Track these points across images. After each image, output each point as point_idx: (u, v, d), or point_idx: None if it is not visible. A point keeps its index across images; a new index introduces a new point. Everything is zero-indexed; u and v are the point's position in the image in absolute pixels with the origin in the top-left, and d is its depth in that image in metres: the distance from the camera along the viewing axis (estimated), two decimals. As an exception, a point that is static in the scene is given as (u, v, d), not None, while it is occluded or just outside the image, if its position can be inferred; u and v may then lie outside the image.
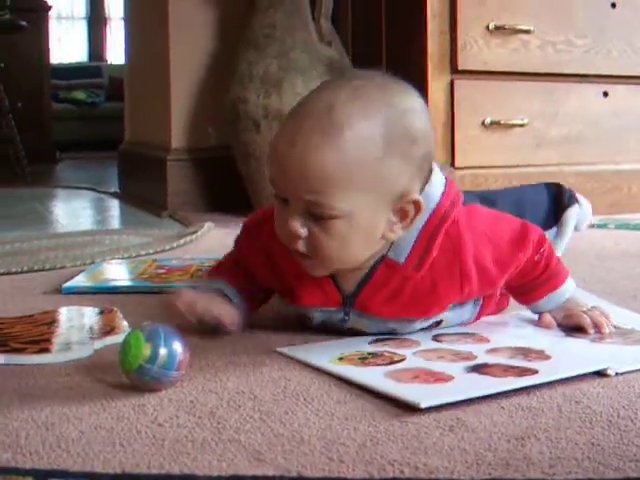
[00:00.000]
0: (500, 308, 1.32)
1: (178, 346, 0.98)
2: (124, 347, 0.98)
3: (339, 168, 1.04)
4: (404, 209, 1.10)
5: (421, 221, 1.12)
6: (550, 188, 1.66)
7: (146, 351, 0.96)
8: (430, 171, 1.14)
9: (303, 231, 1.08)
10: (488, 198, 1.49)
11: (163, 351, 0.97)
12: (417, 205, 1.10)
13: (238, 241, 1.29)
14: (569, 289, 1.26)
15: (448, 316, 1.20)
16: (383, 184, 1.07)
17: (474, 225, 1.16)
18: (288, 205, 1.08)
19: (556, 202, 1.62)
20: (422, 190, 1.12)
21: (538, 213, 1.58)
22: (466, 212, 1.17)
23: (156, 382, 0.98)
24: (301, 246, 1.09)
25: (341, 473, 0.76)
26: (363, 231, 1.09)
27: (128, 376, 0.98)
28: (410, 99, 1.11)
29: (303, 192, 1.05)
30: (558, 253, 1.54)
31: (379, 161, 1.05)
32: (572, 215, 1.61)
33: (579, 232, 1.66)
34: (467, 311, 1.23)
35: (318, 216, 1.06)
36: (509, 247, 1.16)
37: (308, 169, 1.04)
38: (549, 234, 1.54)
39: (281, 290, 1.23)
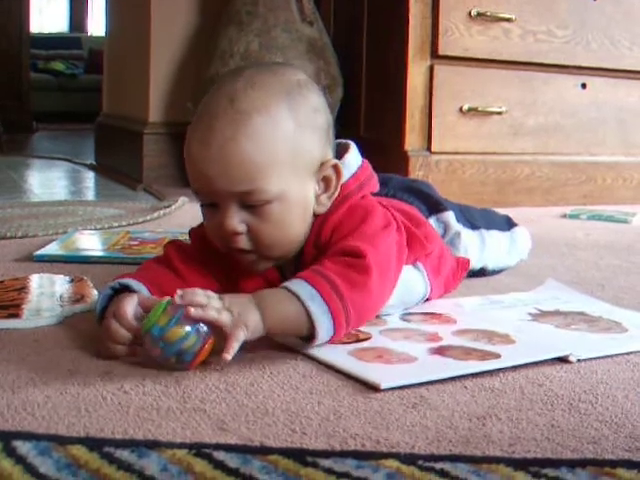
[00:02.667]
0: (456, 278, 1.36)
1: (192, 337, 0.95)
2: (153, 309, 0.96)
3: (259, 152, 1.05)
4: (326, 177, 1.13)
5: None
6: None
7: (162, 320, 0.95)
8: (334, 140, 1.16)
9: (241, 227, 1.08)
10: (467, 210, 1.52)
11: (174, 329, 0.94)
12: (336, 169, 1.13)
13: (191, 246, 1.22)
14: (317, 319, 1.00)
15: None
16: (302, 156, 1.09)
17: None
18: (218, 209, 1.08)
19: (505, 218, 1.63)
20: (335, 157, 1.15)
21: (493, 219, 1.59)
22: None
23: (158, 352, 0.95)
24: (243, 242, 1.09)
25: (303, 444, 0.76)
26: (298, 208, 1.10)
27: (143, 336, 0.96)
28: (298, 73, 1.14)
29: (232, 186, 1.05)
30: (511, 261, 1.57)
31: (292, 134, 1.08)
32: (523, 231, 1.61)
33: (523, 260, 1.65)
34: (414, 282, 1.23)
35: (252, 205, 1.07)
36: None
37: (230, 162, 1.04)
38: (502, 234, 1.55)
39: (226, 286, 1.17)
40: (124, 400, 0.86)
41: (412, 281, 1.23)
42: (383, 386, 0.91)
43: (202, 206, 1.12)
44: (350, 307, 1.01)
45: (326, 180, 1.13)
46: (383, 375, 0.94)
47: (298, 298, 0.99)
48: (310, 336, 1.00)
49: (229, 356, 0.94)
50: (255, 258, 1.12)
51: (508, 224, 1.61)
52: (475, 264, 1.47)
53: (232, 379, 0.94)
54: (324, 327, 0.99)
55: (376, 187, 1.21)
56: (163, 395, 0.88)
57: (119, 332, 0.98)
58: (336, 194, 1.14)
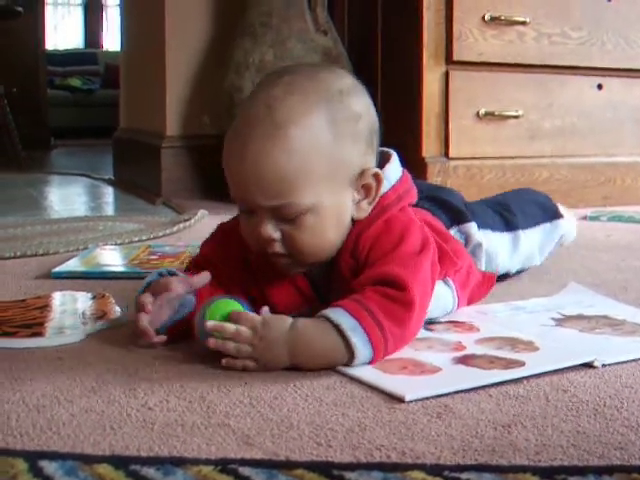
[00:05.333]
0: (481, 293, 1.34)
1: None
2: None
3: (293, 167, 1.04)
4: (366, 185, 1.12)
5: None
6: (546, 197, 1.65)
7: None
8: (378, 145, 1.15)
9: (277, 234, 1.08)
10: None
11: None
12: (377, 177, 1.12)
13: (204, 245, 1.25)
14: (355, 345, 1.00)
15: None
16: (340, 167, 1.08)
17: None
18: (255, 215, 1.09)
19: (552, 207, 1.61)
20: (377, 164, 1.15)
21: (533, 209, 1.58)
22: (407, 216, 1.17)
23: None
24: (278, 247, 1.09)
25: (329, 457, 0.76)
26: (332, 217, 1.10)
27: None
28: (341, 79, 1.12)
29: (266, 201, 1.06)
30: (538, 261, 1.56)
31: (330, 146, 1.07)
32: (562, 226, 1.59)
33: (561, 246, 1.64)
34: (443, 297, 1.23)
35: (285, 217, 1.07)
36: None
37: (264, 178, 1.04)
38: (542, 230, 1.54)
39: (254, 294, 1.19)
40: (149, 417, 0.86)
41: (442, 297, 1.22)
42: (408, 399, 0.91)
43: (240, 211, 1.12)
44: (390, 338, 1.02)
45: (366, 187, 1.12)
46: (408, 387, 0.94)
47: (338, 328, 1.00)
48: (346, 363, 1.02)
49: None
50: (289, 262, 1.12)
51: (550, 212, 1.58)
52: (501, 270, 1.47)
53: (256, 393, 0.94)
54: (362, 357, 1.00)
55: (414, 198, 1.20)
56: (187, 411, 0.88)
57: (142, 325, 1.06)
58: (377, 200, 1.13)
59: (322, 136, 1.06)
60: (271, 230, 1.08)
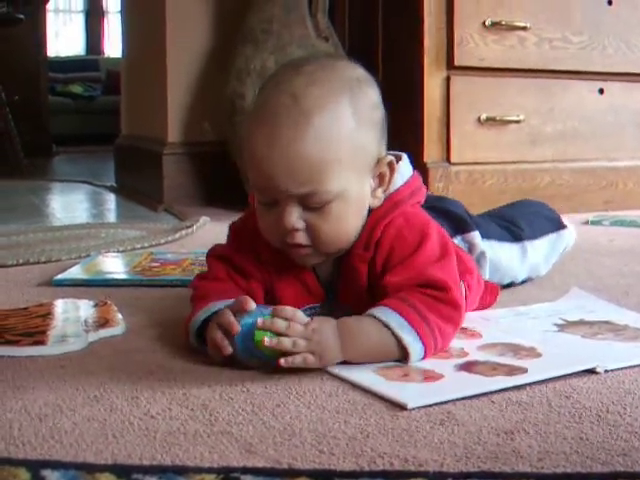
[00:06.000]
0: (485, 304, 1.34)
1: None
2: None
3: (323, 153, 1.05)
4: (382, 173, 1.13)
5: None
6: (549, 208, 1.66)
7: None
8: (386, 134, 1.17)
9: (300, 223, 1.08)
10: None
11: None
12: (391, 166, 1.14)
13: (227, 247, 1.24)
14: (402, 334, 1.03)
15: None
16: (362, 154, 1.10)
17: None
18: (276, 206, 1.09)
19: (556, 218, 1.62)
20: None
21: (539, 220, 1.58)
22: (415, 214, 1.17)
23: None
24: (301, 238, 1.10)
25: (331, 465, 0.76)
26: (356, 205, 1.11)
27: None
28: (357, 70, 1.15)
29: (294, 187, 1.06)
30: (543, 271, 1.57)
31: (355, 134, 1.08)
32: (566, 235, 1.60)
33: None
34: None
35: (313, 205, 1.08)
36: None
37: (294, 164, 1.05)
38: (547, 241, 1.54)
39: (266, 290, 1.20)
40: (151, 425, 0.86)
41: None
42: (410, 406, 0.91)
43: (259, 202, 1.12)
44: (438, 333, 1.04)
45: (381, 176, 1.14)
46: (410, 394, 0.93)
47: (388, 326, 1.02)
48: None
49: (285, 365, 0.99)
50: (309, 252, 1.12)
51: (555, 223, 1.60)
52: (506, 280, 1.48)
53: (258, 401, 0.94)
54: (416, 354, 1.03)
55: (424, 197, 1.22)
56: (190, 419, 0.88)
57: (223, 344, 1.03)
58: (390, 189, 1.15)
59: (347, 123, 1.07)
60: (295, 219, 1.08)
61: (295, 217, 1.08)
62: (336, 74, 1.10)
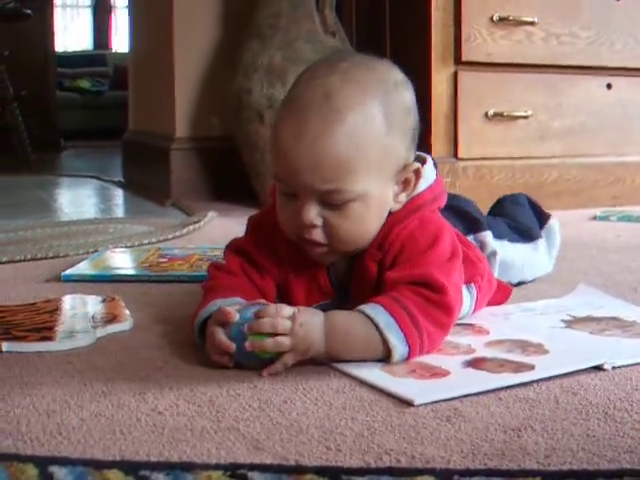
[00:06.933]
0: (495, 303, 1.33)
1: None
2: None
3: (350, 152, 1.04)
4: (407, 179, 1.13)
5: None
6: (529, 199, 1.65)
7: None
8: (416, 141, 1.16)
9: (318, 220, 1.08)
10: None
11: None
12: (417, 173, 1.13)
13: (245, 241, 1.23)
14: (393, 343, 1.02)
15: None
16: (389, 158, 1.09)
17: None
18: (297, 199, 1.08)
19: (538, 212, 1.62)
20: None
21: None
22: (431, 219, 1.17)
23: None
24: (317, 235, 1.09)
25: (338, 462, 0.76)
26: (377, 207, 1.11)
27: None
28: (396, 73, 1.14)
29: (318, 183, 1.05)
30: (550, 267, 1.56)
31: (384, 137, 1.07)
32: (555, 225, 1.59)
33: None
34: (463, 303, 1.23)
35: (334, 203, 1.07)
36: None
37: (321, 160, 1.04)
38: (539, 246, 1.54)
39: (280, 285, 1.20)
40: (158, 421, 0.87)
41: (462, 302, 1.22)
42: (416, 402, 0.91)
43: (280, 192, 1.12)
44: (426, 337, 1.03)
45: (406, 182, 1.13)
46: (417, 391, 0.94)
47: (374, 322, 1.01)
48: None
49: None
50: (325, 250, 1.12)
51: (544, 216, 1.59)
52: (515, 279, 1.49)
53: (265, 397, 0.94)
54: (398, 354, 1.02)
55: (444, 203, 1.21)
56: (197, 415, 0.88)
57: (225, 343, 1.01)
58: (413, 193, 1.14)
59: (377, 126, 1.07)
60: (313, 215, 1.07)
61: (314, 213, 1.07)
62: (372, 75, 1.10)
